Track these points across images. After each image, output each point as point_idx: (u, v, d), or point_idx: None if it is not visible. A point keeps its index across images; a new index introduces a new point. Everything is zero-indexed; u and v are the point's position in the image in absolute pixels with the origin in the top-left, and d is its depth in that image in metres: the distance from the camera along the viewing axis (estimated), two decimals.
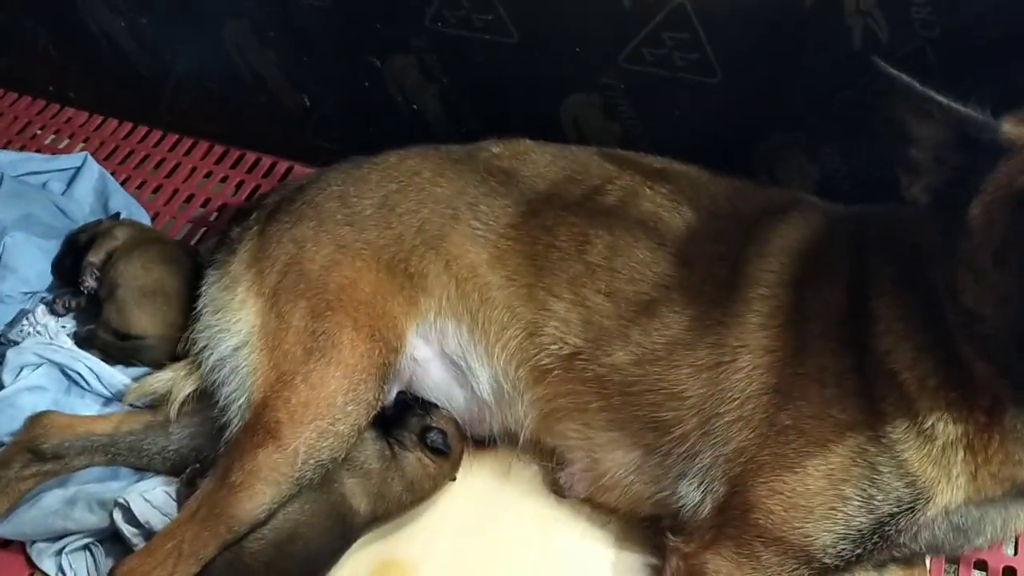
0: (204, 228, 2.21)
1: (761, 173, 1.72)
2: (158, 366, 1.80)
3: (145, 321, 1.82)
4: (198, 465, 1.63)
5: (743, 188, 1.65)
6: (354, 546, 1.58)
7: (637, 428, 1.54)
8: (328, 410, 1.51)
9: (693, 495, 1.50)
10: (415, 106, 2.04)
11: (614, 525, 1.62)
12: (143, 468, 1.69)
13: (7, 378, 1.75)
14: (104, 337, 1.83)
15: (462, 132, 1.99)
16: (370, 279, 1.62)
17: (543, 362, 1.59)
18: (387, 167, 1.75)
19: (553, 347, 1.58)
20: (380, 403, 1.58)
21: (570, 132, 1.91)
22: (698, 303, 1.51)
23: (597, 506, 1.63)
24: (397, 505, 1.58)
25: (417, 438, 1.59)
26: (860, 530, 1.34)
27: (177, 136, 2.42)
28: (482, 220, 1.65)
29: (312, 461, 1.50)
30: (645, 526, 1.61)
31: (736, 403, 1.44)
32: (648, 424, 1.53)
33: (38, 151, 2.37)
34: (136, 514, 1.56)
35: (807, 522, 1.35)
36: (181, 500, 1.59)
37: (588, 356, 1.55)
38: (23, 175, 2.18)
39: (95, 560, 1.61)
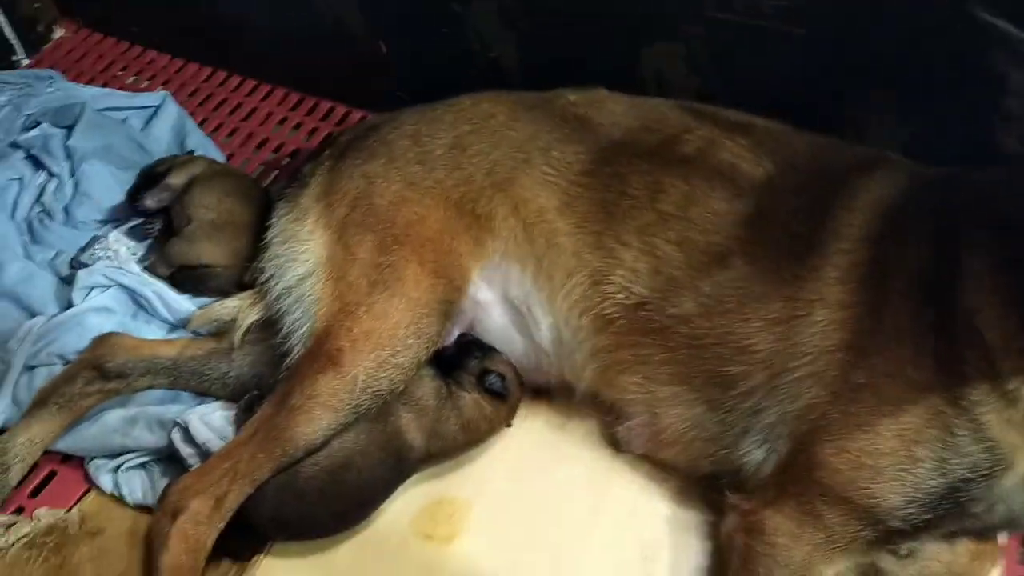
0: (275, 172, 2.24)
1: (847, 132, 1.67)
2: (224, 295, 1.85)
3: (213, 251, 1.86)
4: (257, 392, 1.65)
5: (827, 144, 1.61)
6: (407, 483, 1.60)
7: (701, 382, 1.52)
8: (389, 341, 1.53)
9: (756, 452, 1.47)
10: (492, 54, 2.04)
11: (672, 482, 1.60)
12: (203, 393, 1.73)
13: (76, 298, 1.81)
14: (171, 267, 1.87)
15: (538, 83, 1.99)
16: (438, 217, 1.63)
17: (607, 311, 1.58)
18: (461, 109, 1.75)
19: (619, 296, 1.56)
20: (441, 339, 1.59)
21: (650, 84, 1.88)
22: (774, 256, 1.48)
23: (655, 462, 1.61)
24: (452, 444, 1.59)
25: (475, 380, 1.60)
26: (931, 494, 1.29)
27: (255, 82, 2.48)
28: (554, 165, 1.64)
29: (370, 390, 1.51)
30: (703, 484, 1.59)
31: (808, 359, 1.41)
32: (713, 378, 1.51)
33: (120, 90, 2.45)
34: (194, 435, 1.61)
35: (874, 483, 1.32)
36: (239, 425, 1.62)
37: (655, 307, 1.53)
38: (104, 109, 2.26)
39: (151, 478, 1.66)
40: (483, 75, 2.09)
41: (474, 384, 1.60)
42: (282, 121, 2.39)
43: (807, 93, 1.70)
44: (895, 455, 1.31)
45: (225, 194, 1.93)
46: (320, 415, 1.49)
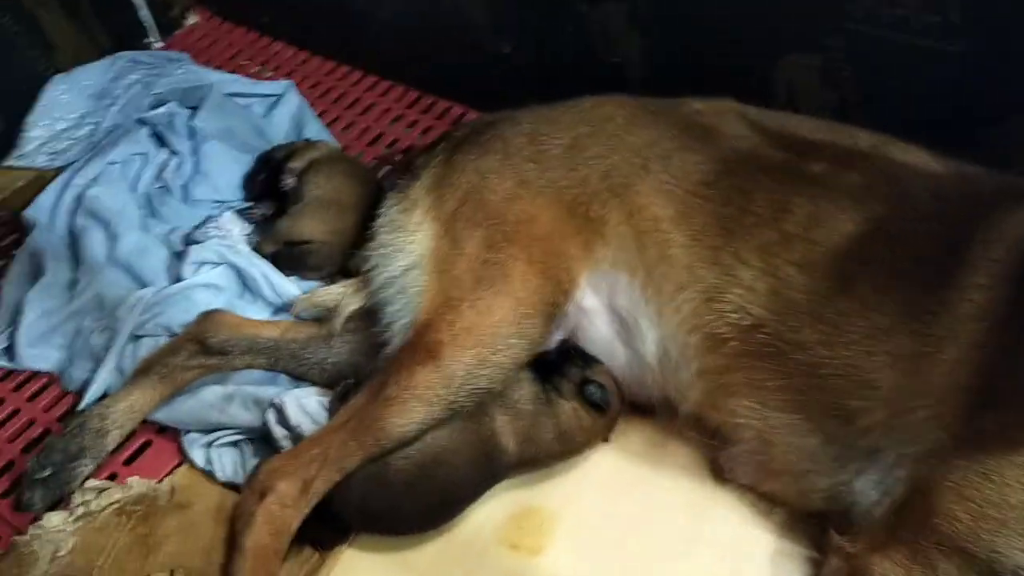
0: (388, 167, 2.26)
1: (995, 160, 1.57)
2: (325, 277, 1.88)
3: (314, 227, 1.90)
4: (353, 380, 1.65)
5: (973, 173, 1.51)
6: (495, 488, 1.56)
7: (819, 413, 1.44)
8: (491, 339, 1.50)
9: (870, 493, 1.39)
10: (616, 58, 2.01)
11: (774, 515, 1.52)
12: (300, 377, 1.74)
13: (186, 272, 1.85)
14: (276, 245, 1.91)
15: (661, 89, 1.94)
16: (549, 217, 1.59)
17: (719, 331, 1.51)
18: (581, 110, 1.72)
19: (733, 316, 1.49)
20: (543, 342, 1.55)
21: (780, 96, 1.82)
22: (905, 286, 1.40)
23: (759, 493, 1.53)
24: (545, 452, 1.55)
25: (575, 388, 1.56)
26: None
27: (375, 78, 2.51)
28: (673, 173, 1.59)
29: (468, 387, 1.49)
30: (808, 520, 1.51)
31: (933, 399, 1.32)
32: (831, 411, 1.42)
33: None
34: (288, 417, 1.61)
35: (998, 535, 1.22)
36: (333, 412, 1.61)
37: (772, 330, 1.46)
38: (229, 94, 2.32)
39: (242, 456, 1.67)
40: (604, 79, 2.05)
41: (574, 392, 1.56)
42: (398, 118, 2.40)
43: (955, 116, 1.61)
44: None
45: (335, 174, 1.98)
46: (415, 408, 1.47)
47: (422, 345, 1.51)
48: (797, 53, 1.76)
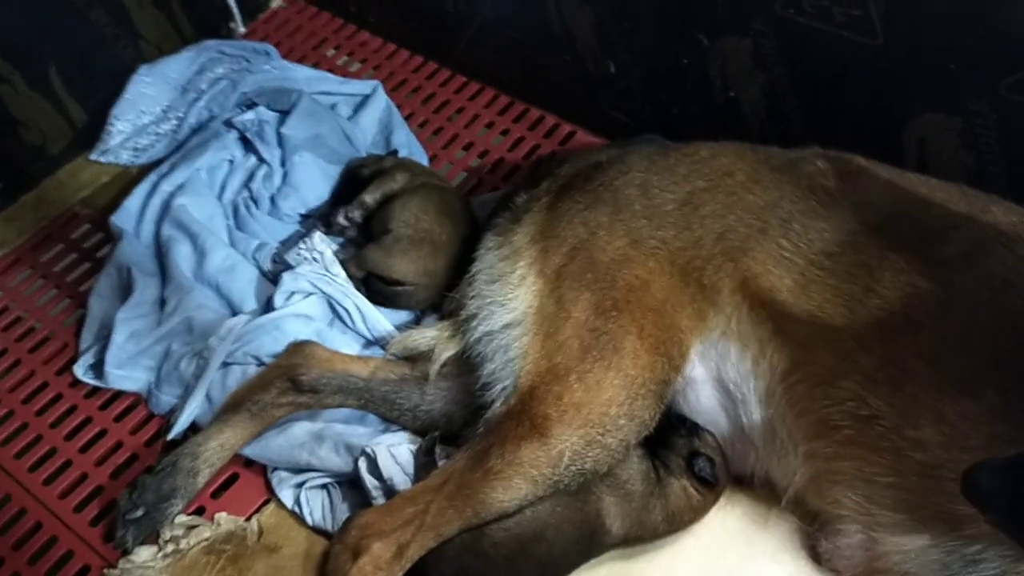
0: (477, 180, 2.25)
1: None
2: (417, 314, 1.90)
3: (407, 268, 1.89)
4: (438, 434, 1.67)
5: None
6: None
7: (928, 515, 1.42)
8: (600, 419, 1.49)
9: None
10: (732, 93, 1.96)
11: None
12: (391, 420, 1.76)
13: (279, 300, 1.86)
14: (363, 270, 1.91)
15: (779, 131, 1.91)
16: (663, 284, 1.58)
17: (832, 417, 1.49)
18: (697, 161, 1.68)
19: (849, 403, 1.47)
20: (653, 423, 1.54)
21: (909, 154, 1.77)
22: None
23: None
24: (652, 532, 1.56)
25: (684, 464, 1.56)
26: None
27: (466, 79, 2.47)
28: (793, 240, 1.55)
29: (574, 468, 1.49)
30: None
31: None
32: (941, 514, 1.41)
33: (329, 71, 2.48)
34: (380, 467, 1.64)
35: None
36: (419, 466, 1.64)
37: (889, 424, 1.43)
38: (316, 93, 2.32)
39: (331, 501, 1.70)
40: (716, 112, 2.02)
41: (683, 468, 1.56)
42: (489, 125, 2.37)
43: None
44: None
45: (424, 212, 1.95)
46: (518, 484, 1.48)
47: (527, 417, 1.51)
48: (934, 113, 1.70)
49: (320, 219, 2.04)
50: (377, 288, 1.90)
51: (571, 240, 1.64)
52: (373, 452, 1.65)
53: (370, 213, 1.98)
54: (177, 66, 2.39)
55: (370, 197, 1.99)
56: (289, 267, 1.91)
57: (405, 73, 2.51)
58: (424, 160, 2.27)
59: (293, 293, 1.87)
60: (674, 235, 1.61)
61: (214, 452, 1.71)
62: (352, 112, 2.33)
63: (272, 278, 1.94)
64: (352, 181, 2.08)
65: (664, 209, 1.63)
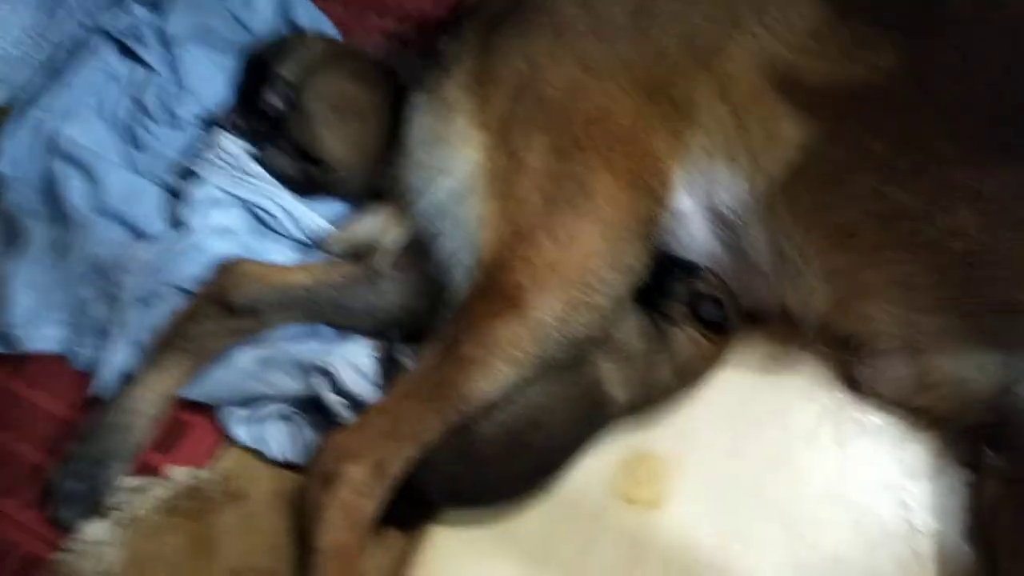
0: (399, 46, 1.96)
1: None
2: (356, 203, 1.65)
3: (333, 143, 1.64)
4: (400, 332, 1.45)
5: None
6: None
7: (978, 312, 1.24)
8: (581, 275, 1.28)
9: None
10: None
11: (927, 433, 1.35)
12: (347, 328, 1.54)
13: (190, 217, 1.61)
14: (284, 162, 1.67)
15: None
16: (627, 108, 1.34)
17: (849, 222, 1.29)
18: None
19: (866, 201, 1.27)
20: (643, 270, 1.33)
21: None
22: None
23: (908, 409, 1.36)
24: (662, 394, 1.36)
25: (687, 309, 1.35)
26: None
27: None
28: (771, 28, 1.32)
29: (561, 338, 1.28)
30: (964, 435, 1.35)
31: None
32: (993, 307, 1.23)
33: None
34: (342, 382, 1.42)
35: None
36: (385, 373, 1.43)
37: (917, 215, 1.24)
38: None
39: (294, 430, 1.48)
40: None
41: (686, 315, 1.35)
42: None
43: None
44: None
45: (343, 78, 1.69)
46: (500, 368, 1.27)
47: (497, 291, 1.29)
48: None
49: (226, 119, 1.77)
50: (309, 180, 1.66)
51: (511, 80, 1.40)
52: (331, 367, 1.43)
53: (291, 91, 1.70)
54: None
55: (286, 71, 1.71)
56: (198, 178, 1.66)
57: None
58: (334, 35, 1.98)
59: (206, 206, 1.61)
60: (631, 50, 1.37)
61: (148, 401, 1.48)
62: None
63: (181, 195, 1.67)
64: (255, 68, 1.79)
65: (614, 22, 1.39)
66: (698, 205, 1.38)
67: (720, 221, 1.39)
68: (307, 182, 1.66)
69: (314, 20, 1.99)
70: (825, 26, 1.30)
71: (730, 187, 1.36)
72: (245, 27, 1.93)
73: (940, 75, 1.24)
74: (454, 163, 1.39)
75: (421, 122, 1.46)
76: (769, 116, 1.31)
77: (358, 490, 1.29)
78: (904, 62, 1.25)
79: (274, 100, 1.69)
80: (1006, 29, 1.24)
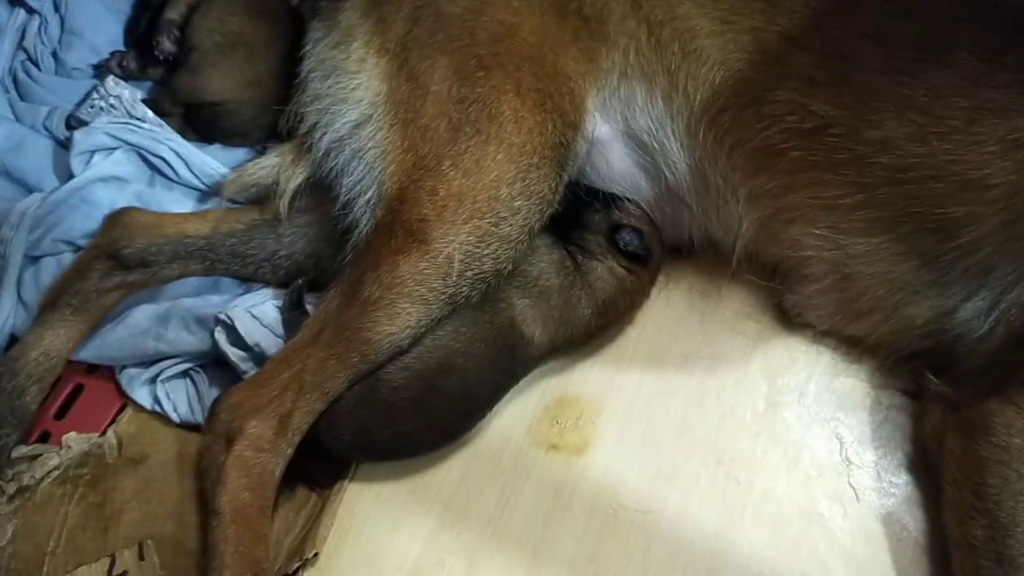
0: None
1: None
2: (253, 143, 1.56)
3: (221, 82, 1.55)
4: (302, 281, 1.36)
5: None
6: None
7: (910, 230, 1.17)
8: (489, 204, 1.19)
9: (977, 323, 1.16)
10: None
11: (865, 360, 1.29)
12: (249, 278, 1.44)
13: (76, 165, 1.50)
14: (178, 105, 1.57)
15: None
16: (533, 25, 1.25)
17: (772, 140, 1.21)
18: None
19: (790, 118, 1.19)
20: (556, 197, 1.24)
21: None
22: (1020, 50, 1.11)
23: (841, 338, 1.30)
24: (583, 331, 1.28)
25: (605, 241, 1.27)
26: None
27: None
28: None
29: (469, 273, 1.19)
30: (901, 363, 1.28)
31: None
32: (927, 224, 1.16)
33: None
34: (243, 334, 1.32)
35: None
36: (289, 324, 1.33)
37: (844, 129, 1.17)
38: None
39: (196, 388, 1.39)
40: None
41: (604, 247, 1.27)
42: None
43: None
44: None
45: (231, 10, 1.59)
46: (405, 309, 1.18)
47: (400, 225, 1.19)
48: None
49: (114, 61, 1.64)
50: (200, 121, 1.55)
51: (410, 1, 1.30)
52: (230, 319, 1.33)
53: (179, 33, 1.59)
54: None
55: (174, 12, 1.60)
56: (85, 124, 1.54)
57: None
58: None
59: (93, 153, 1.50)
60: None
61: (38, 363, 1.36)
62: None
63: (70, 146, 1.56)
64: (145, 7, 1.68)
65: None
66: (615, 130, 1.30)
67: (640, 147, 1.31)
68: (199, 124, 1.56)
69: None
70: None
71: (648, 110, 1.28)
72: None
73: None
74: (353, 92, 1.30)
75: (318, 53, 1.36)
76: (685, 31, 1.23)
77: (260, 447, 1.19)
78: None
79: (165, 44, 1.59)
80: None
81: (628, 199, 1.32)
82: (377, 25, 1.30)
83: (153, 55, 1.61)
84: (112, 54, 1.63)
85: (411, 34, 1.27)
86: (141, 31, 1.65)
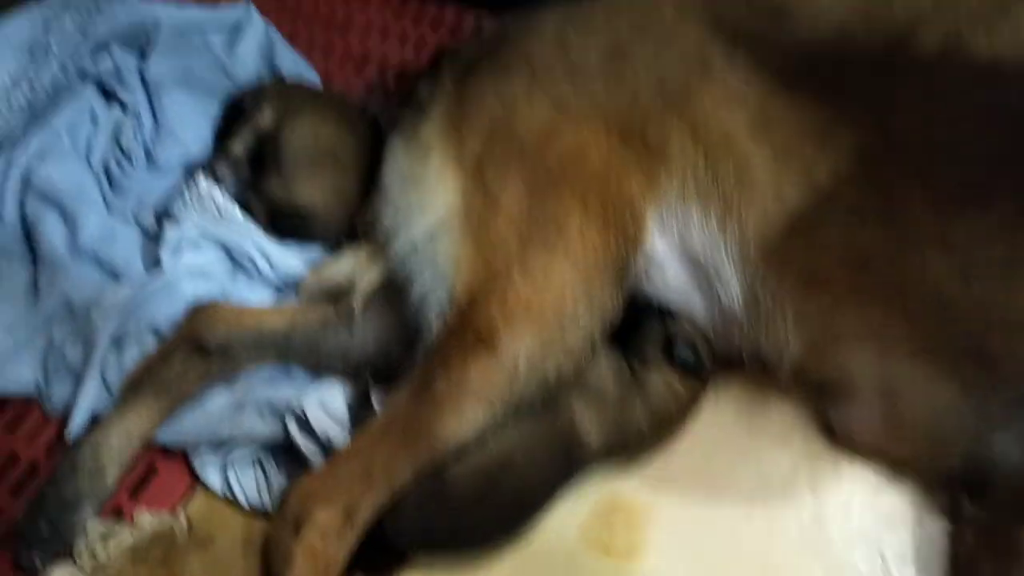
0: (381, 95, 1.99)
1: None
2: (332, 245, 1.65)
3: (311, 192, 1.64)
4: (371, 373, 1.43)
5: None
6: None
7: (952, 360, 1.22)
8: (555, 314, 1.26)
9: (1015, 451, 1.19)
10: None
11: (905, 482, 1.32)
12: (321, 370, 1.52)
13: (165, 257, 1.60)
14: (266, 207, 1.67)
15: None
16: (601, 150, 1.34)
17: (821, 267, 1.27)
18: (616, 4, 1.44)
19: (837, 248, 1.26)
20: (618, 310, 1.31)
21: None
22: None
23: (883, 457, 1.33)
24: (637, 438, 1.34)
25: (661, 352, 1.34)
26: None
27: None
28: (741, 74, 1.32)
29: (535, 378, 1.26)
30: (942, 484, 1.32)
31: None
32: (968, 356, 1.21)
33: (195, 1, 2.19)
34: (313, 425, 1.40)
35: None
36: (356, 415, 1.41)
37: (888, 262, 1.23)
38: (180, 27, 2.00)
39: (266, 475, 1.46)
40: None
41: (661, 359, 1.34)
42: (384, 32, 2.10)
43: None
44: None
45: (322, 123, 1.69)
46: (473, 409, 1.25)
47: (470, 330, 1.27)
48: None
49: (204, 166, 1.75)
50: (287, 224, 1.65)
51: (487, 121, 1.40)
52: (302, 409, 1.41)
53: (265, 136, 1.71)
54: (17, 27, 2.05)
55: (263, 118, 1.71)
56: (174, 219, 1.65)
57: None
58: (316, 83, 2.01)
59: (182, 247, 1.61)
60: (604, 93, 1.37)
61: (119, 444, 1.45)
62: (226, 42, 2.04)
63: (158, 238, 1.66)
64: (234, 115, 1.79)
65: (588, 65, 1.39)
66: (672, 248, 1.38)
67: (695, 265, 1.37)
68: (285, 227, 1.66)
69: (297, 67, 2.02)
70: (792, 72, 1.30)
71: (703, 231, 1.35)
72: (228, 73, 1.96)
73: (906, 117, 1.23)
74: (429, 203, 1.39)
75: (397, 163, 1.46)
76: (740, 161, 1.31)
77: (327, 536, 1.26)
78: (870, 107, 1.25)
79: (238, 148, 1.70)
80: (971, 73, 1.24)
81: (682, 311, 1.39)
82: (455, 142, 1.41)
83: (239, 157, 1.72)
84: (210, 158, 1.74)
85: (487, 152, 1.37)
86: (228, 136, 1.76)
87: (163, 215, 1.69)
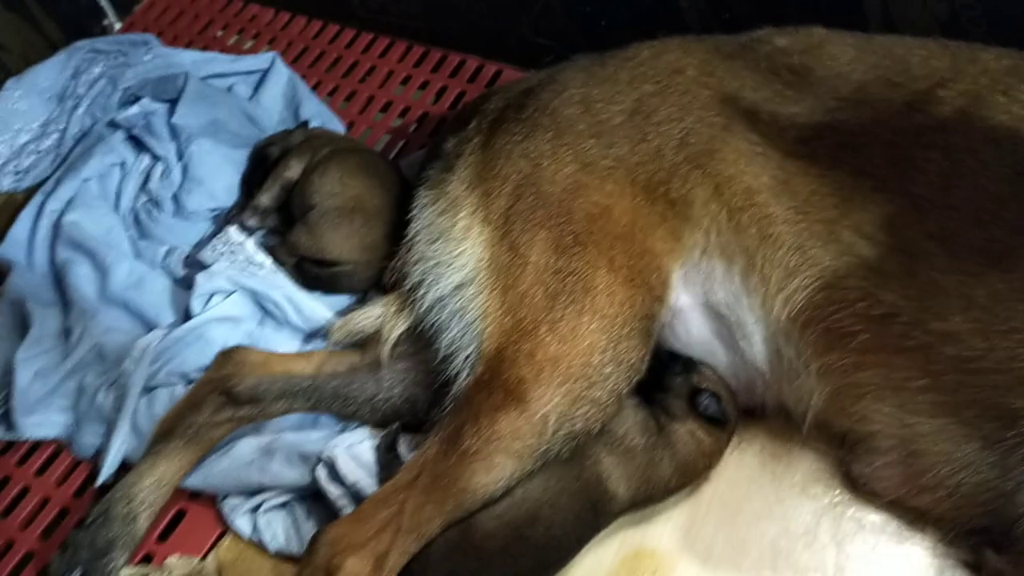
0: (403, 140, 2.02)
1: None
2: (359, 294, 1.67)
3: (340, 243, 1.65)
4: (398, 424, 1.47)
5: None
6: None
7: (973, 415, 1.24)
8: (582, 370, 1.29)
9: None
10: None
11: (927, 533, 1.34)
12: (348, 417, 1.54)
13: (196, 305, 1.63)
14: (293, 256, 1.69)
15: (722, 20, 1.70)
16: (625, 207, 1.37)
17: (843, 322, 1.30)
18: (640, 63, 1.48)
19: (860, 304, 1.28)
20: (644, 365, 1.34)
21: (872, 16, 1.57)
22: None
23: (906, 508, 1.35)
24: (663, 489, 1.36)
25: (686, 404, 1.36)
26: None
27: (372, 35, 2.22)
28: (763, 132, 1.36)
29: (562, 432, 1.28)
30: (965, 537, 1.34)
31: None
32: (989, 411, 1.23)
33: (221, 52, 2.23)
34: (342, 473, 1.42)
35: None
36: (384, 464, 1.44)
37: (911, 319, 1.25)
38: (207, 77, 2.07)
39: (294, 521, 1.48)
40: (648, 15, 1.81)
41: (686, 410, 1.36)
42: (406, 80, 2.13)
43: None
44: None
45: (350, 176, 1.71)
46: (501, 462, 1.27)
47: (499, 384, 1.30)
48: None
49: (231, 215, 1.80)
50: (313, 273, 1.67)
51: (513, 177, 1.43)
52: (331, 457, 1.43)
53: (292, 187, 1.74)
54: (48, 74, 2.11)
55: (267, 197, 1.74)
56: (205, 268, 1.68)
57: (305, 41, 2.26)
58: (340, 130, 2.03)
59: (212, 295, 1.64)
60: (628, 150, 1.41)
61: (150, 490, 1.47)
62: (252, 91, 2.08)
63: (187, 285, 1.69)
64: (261, 163, 1.83)
65: (612, 123, 1.43)
66: (696, 302, 1.40)
67: (718, 318, 1.40)
68: (312, 277, 1.68)
69: (321, 114, 2.05)
70: (813, 132, 1.33)
71: (727, 285, 1.38)
72: (254, 121, 1.99)
73: (926, 179, 1.26)
74: (458, 257, 1.42)
75: (426, 218, 1.49)
76: (763, 217, 1.34)
77: None
78: (890, 167, 1.28)
79: (266, 201, 1.74)
80: (990, 136, 1.27)
81: (706, 364, 1.41)
82: (482, 197, 1.44)
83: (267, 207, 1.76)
84: (239, 208, 1.78)
85: (513, 208, 1.40)
86: (258, 184, 1.78)
87: (193, 263, 1.73)
